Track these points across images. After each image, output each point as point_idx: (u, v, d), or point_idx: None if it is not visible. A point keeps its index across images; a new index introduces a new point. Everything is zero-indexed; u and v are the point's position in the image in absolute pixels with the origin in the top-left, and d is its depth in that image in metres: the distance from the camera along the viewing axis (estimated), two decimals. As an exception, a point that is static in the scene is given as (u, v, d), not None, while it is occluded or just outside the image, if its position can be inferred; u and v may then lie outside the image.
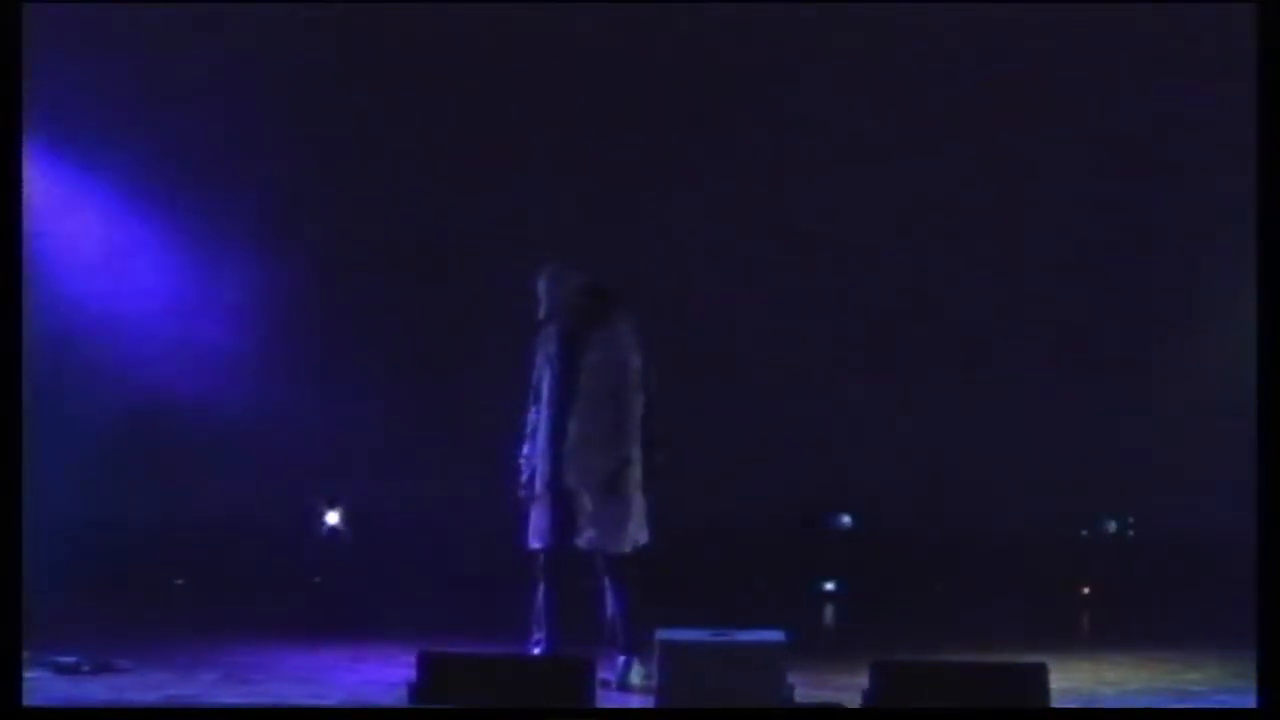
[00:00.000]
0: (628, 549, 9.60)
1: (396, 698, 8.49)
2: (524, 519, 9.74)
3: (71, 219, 13.67)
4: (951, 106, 13.90)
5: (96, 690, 9.12)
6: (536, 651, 9.58)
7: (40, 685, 8.99)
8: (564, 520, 9.58)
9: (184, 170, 13.88)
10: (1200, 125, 13.47)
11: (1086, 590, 13.74)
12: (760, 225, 13.94)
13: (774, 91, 13.94)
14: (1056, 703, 8.15)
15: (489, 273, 13.42)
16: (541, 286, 9.71)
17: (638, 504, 9.62)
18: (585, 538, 9.58)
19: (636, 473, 9.61)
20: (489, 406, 10.75)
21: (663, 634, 8.61)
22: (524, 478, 9.75)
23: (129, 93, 13.65)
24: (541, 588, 9.69)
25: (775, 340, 13.94)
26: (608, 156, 13.84)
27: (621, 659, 9.58)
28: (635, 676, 9.50)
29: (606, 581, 9.64)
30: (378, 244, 14.00)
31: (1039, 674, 8.05)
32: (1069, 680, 9.42)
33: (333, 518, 14.21)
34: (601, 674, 8.93)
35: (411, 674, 8.20)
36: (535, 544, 9.69)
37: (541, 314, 9.72)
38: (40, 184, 12.61)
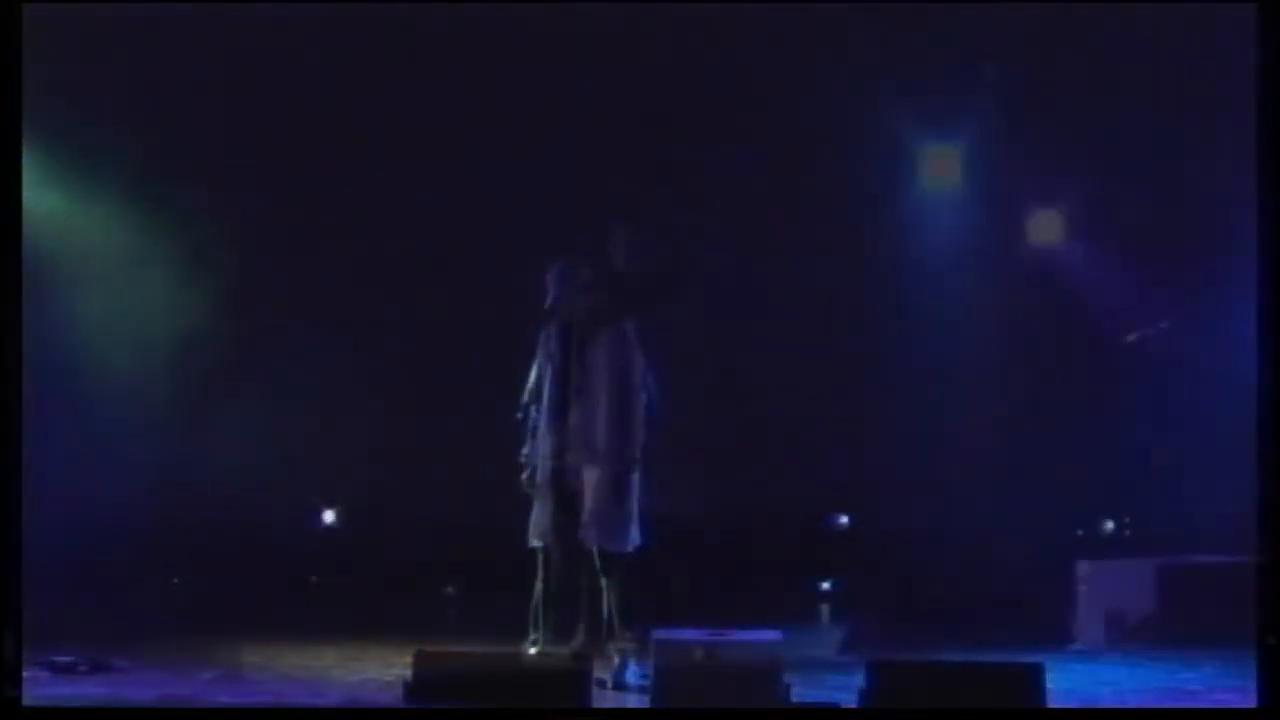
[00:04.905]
0: (628, 549, 9.60)
1: (394, 697, 8.49)
2: (523, 518, 9.74)
3: (69, 218, 13.71)
4: (950, 107, 13.90)
5: (94, 690, 9.11)
6: (533, 651, 9.58)
7: (37, 685, 8.98)
8: (565, 519, 9.58)
9: (183, 169, 13.89)
10: (1200, 126, 13.45)
11: (1082, 589, 13.69)
12: (759, 225, 13.93)
13: (778, 93, 13.93)
14: (1053, 703, 8.14)
15: (488, 272, 13.42)
16: (550, 280, 9.72)
17: (637, 504, 9.62)
18: (586, 537, 9.58)
19: (637, 473, 9.61)
20: (488, 405, 10.73)
21: (659, 633, 8.62)
22: (524, 477, 9.76)
23: (128, 93, 13.66)
24: (539, 586, 9.69)
25: (774, 340, 13.93)
26: (610, 156, 13.84)
27: (618, 658, 9.58)
28: (632, 676, 9.50)
29: (604, 581, 9.64)
30: (377, 242, 14.00)
31: (1036, 674, 8.04)
32: (1066, 680, 9.41)
33: (329, 516, 14.22)
34: (598, 674, 8.93)
35: (408, 673, 8.20)
36: (535, 542, 9.68)
37: (548, 303, 9.71)
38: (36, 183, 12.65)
